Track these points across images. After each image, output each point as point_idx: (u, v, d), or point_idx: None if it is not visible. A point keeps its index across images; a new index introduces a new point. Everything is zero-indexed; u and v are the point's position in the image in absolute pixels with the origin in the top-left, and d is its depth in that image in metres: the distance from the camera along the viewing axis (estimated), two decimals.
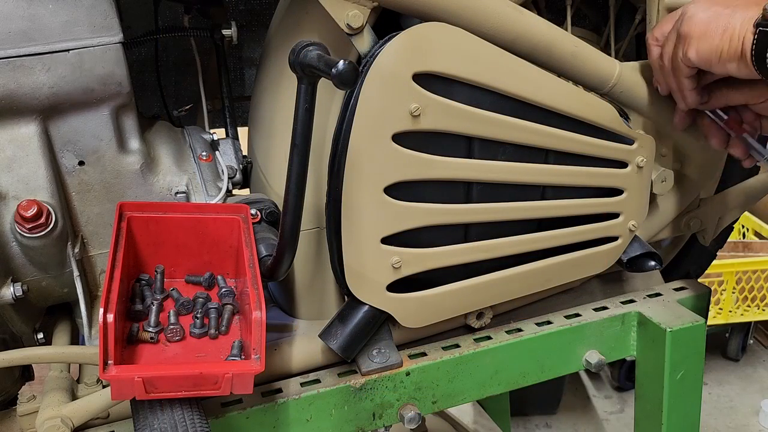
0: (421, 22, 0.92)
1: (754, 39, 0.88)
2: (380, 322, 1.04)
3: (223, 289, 0.98)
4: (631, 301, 1.24)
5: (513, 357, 1.13)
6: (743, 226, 3.07)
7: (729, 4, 0.93)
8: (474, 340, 1.13)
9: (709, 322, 1.71)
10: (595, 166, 1.08)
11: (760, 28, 0.87)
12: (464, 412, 1.94)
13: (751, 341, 3.01)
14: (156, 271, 0.97)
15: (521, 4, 1.02)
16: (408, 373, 1.05)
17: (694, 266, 1.43)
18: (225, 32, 1.15)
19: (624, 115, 1.11)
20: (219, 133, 1.14)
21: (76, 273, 0.94)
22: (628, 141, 1.09)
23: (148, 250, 0.97)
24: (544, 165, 1.04)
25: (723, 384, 2.84)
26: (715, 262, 1.55)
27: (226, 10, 1.22)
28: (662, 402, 1.17)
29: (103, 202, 0.97)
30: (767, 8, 0.86)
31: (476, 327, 1.14)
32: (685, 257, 1.42)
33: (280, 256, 0.90)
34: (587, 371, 1.46)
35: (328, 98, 0.98)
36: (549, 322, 1.17)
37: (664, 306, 1.22)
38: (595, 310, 1.21)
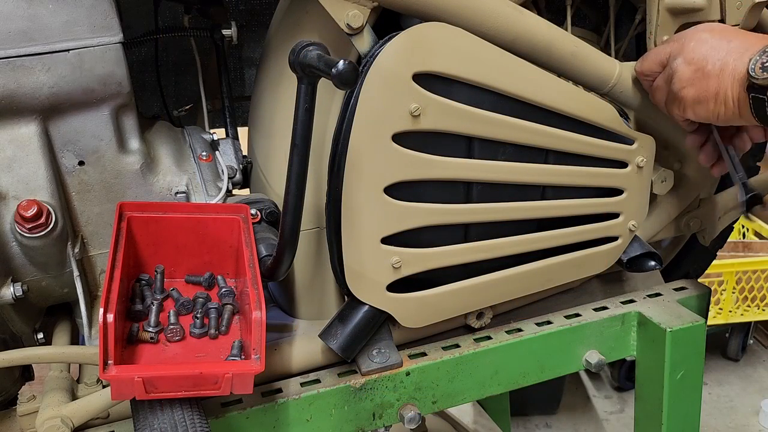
0: (421, 22, 0.93)
1: (750, 104, 0.87)
2: (380, 322, 1.04)
3: (223, 289, 0.98)
4: (631, 301, 1.24)
5: (513, 357, 1.12)
6: (743, 226, 3.07)
7: (716, 52, 0.91)
8: (474, 340, 1.13)
9: (709, 322, 1.71)
10: (595, 166, 1.08)
11: (753, 94, 0.86)
12: (464, 412, 1.94)
13: (751, 341, 3.01)
14: (156, 271, 0.97)
15: (521, 4, 1.02)
16: (408, 373, 1.05)
17: (694, 266, 1.43)
18: (225, 32, 1.15)
19: (624, 115, 1.11)
20: (219, 133, 1.14)
21: (76, 273, 0.94)
22: (628, 141, 1.09)
23: (148, 250, 0.97)
24: (544, 165, 1.04)
25: (723, 384, 2.84)
26: (715, 262, 1.55)
27: (226, 10, 1.22)
28: (662, 402, 1.17)
29: (103, 202, 0.97)
30: (752, 75, 0.85)
31: (476, 327, 1.14)
32: (685, 257, 1.42)
33: (280, 256, 0.90)
34: (587, 371, 1.47)
35: (328, 98, 0.98)
36: (549, 322, 1.17)
37: (664, 306, 1.22)
38: (595, 310, 1.21)
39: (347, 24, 0.90)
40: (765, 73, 0.85)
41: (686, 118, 0.98)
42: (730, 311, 2.75)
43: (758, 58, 0.86)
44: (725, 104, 0.91)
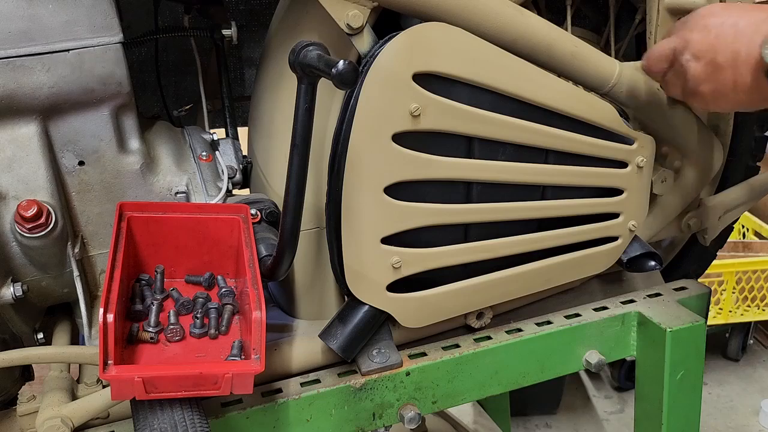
0: (421, 22, 0.93)
1: None
2: (380, 322, 1.04)
3: (223, 289, 0.98)
4: (631, 301, 1.24)
5: (513, 357, 1.12)
6: (743, 226, 3.07)
7: (723, 41, 0.87)
8: (474, 340, 1.13)
9: (709, 322, 1.72)
10: (595, 166, 1.08)
11: None
12: (464, 412, 1.94)
13: (751, 341, 3.01)
14: (156, 271, 0.97)
15: (521, 5, 1.02)
16: (408, 373, 1.05)
17: (694, 266, 1.43)
18: (225, 32, 1.15)
19: (624, 115, 1.11)
20: (219, 133, 1.14)
21: (76, 273, 0.94)
22: (628, 141, 1.09)
23: (148, 250, 0.97)
24: (544, 165, 1.04)
25: (723, 384, 2.84)
26: (715, 262, 1.55)
27: (226, 10, 1.22)
28: (662, 402, 1.17)
29: (103, 202, 0.97)
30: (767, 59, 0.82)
31: (476, 327, 1.14)
32: (685, 257, 1.42)
33: (280, 256, 0.90)
34: (587, 371, 1.47)
35: (328, 98, 0.98)
36: (549, 322, 1.17)
37: (664, 306, 1.22)
38: (595, 310, 1.21)
39: (347, 24, 0.90)
40: None
41: (711, 111, 0.96)
42: (730, 311, 2.75)
43: None
44: (745, 93, 0.87)
